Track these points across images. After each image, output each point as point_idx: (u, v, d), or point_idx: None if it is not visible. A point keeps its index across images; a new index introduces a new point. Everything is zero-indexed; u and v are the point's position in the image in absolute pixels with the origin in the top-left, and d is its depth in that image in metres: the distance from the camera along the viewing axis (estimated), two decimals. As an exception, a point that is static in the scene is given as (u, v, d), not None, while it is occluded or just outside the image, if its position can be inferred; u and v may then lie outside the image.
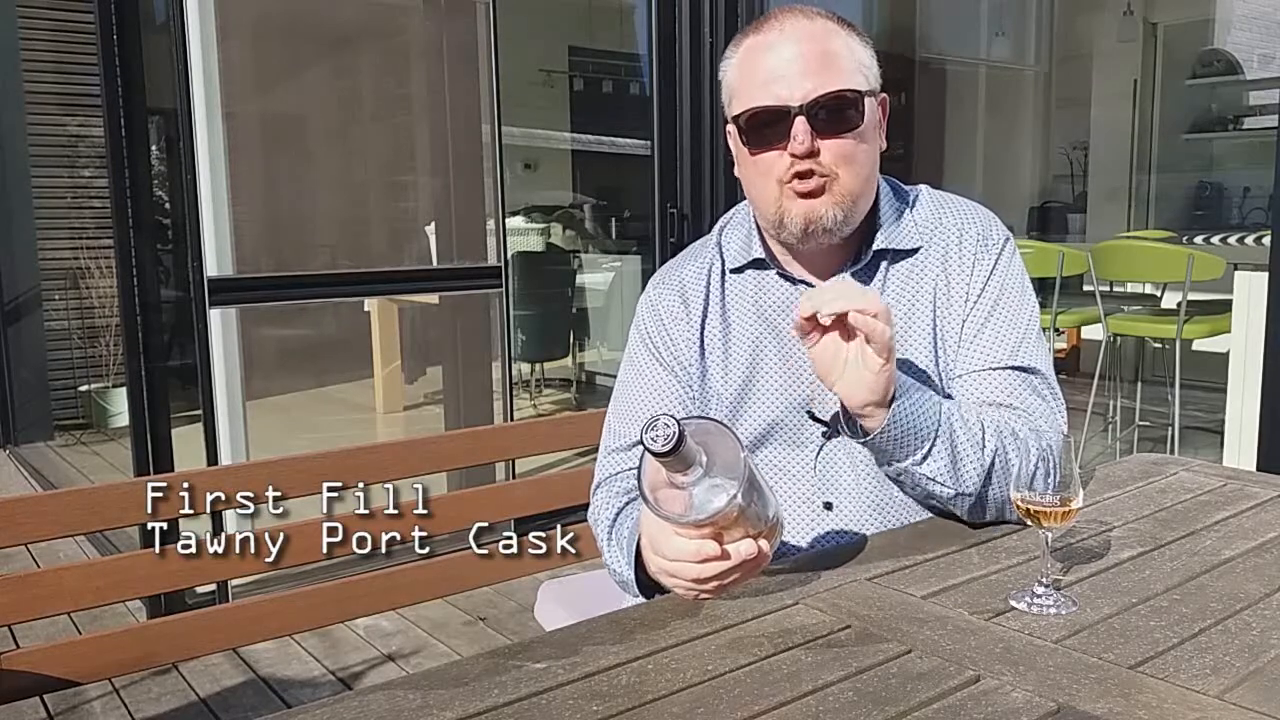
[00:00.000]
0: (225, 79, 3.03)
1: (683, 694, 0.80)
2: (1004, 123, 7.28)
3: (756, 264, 1.26)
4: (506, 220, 3.44)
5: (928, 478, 1.10)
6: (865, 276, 1.22)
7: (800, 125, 1.11)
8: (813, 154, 1.12)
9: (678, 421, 0.84)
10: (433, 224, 3.82)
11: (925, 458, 1.08)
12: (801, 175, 1.13)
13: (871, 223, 1.22)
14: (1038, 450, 1.04)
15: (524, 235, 5.87)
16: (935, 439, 1.08)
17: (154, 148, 3.44)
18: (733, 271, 1.27)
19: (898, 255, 1.23)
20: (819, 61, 1.12)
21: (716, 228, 1.33)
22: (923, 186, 1.31)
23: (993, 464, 1.11)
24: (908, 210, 1.25)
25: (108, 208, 2.90)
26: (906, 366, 1.20)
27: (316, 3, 3.83)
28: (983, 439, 1.10)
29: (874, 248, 1.22)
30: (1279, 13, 6.50)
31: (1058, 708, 0.77)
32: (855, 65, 1.15)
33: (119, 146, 2.71)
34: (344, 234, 4.13)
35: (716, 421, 0.94)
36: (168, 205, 3.77)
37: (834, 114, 1.12)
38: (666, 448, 0.84)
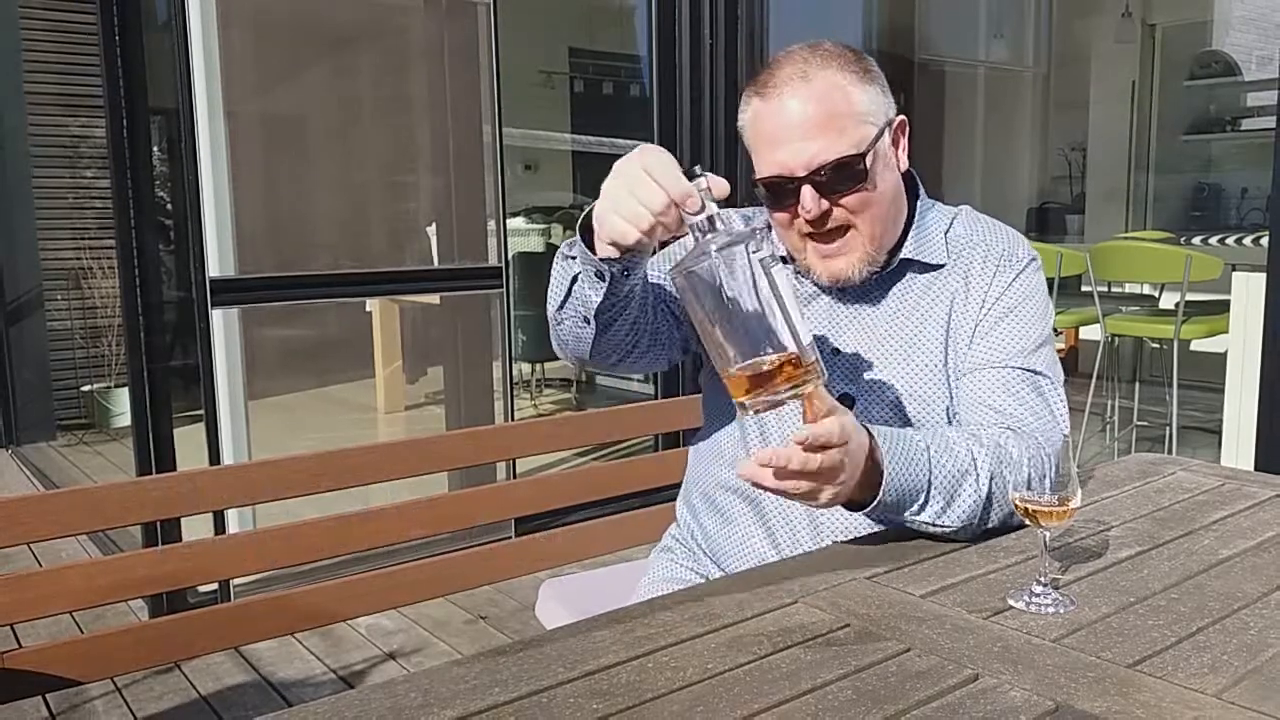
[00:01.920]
0: (227, 79, 3.04)
1: (682, 692, 0.80)
2: (1003, 124, 7.28)
3: (780, 259, 1.27)
4: (507, 221, 3.45)
5: (926, 523, 1.10)
6: (889, 283, 1.24)
7: (807, 194, 1.14)
8: (826, 214, 1.15)
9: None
10: (434, 224, 3.83)
11: (921, 509, 1.08)
12: (817, 237, 1.17)
13: (904, 234, 1.24)
14: (1029, 460, 1.03)
15: (525, 236, 5.87)
16: (929, 491, 1.07)
17: (156, 148, 3.44)
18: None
19: (923, 267, 1.25)
20: (820, 126, 1.13)
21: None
22: (965, 207, 1.33)
23: (989, 495, 1.10)
24: (943, 229, 1.27)
25: (110, 208, 2.90)
26: (915, 372, 1.21)
27: (318, 3, 3.83)
28: (976, 472, 1.09)
29: (900, 256, 1.24)
30: (1277, 14, 6.50)
31: (1056, 706, 0.77)
32: (858, 119, 1.15)
33: (121, 147, 2.72)
34: (345, 234, 4.13)
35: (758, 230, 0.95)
36: (170, 205, 3.77)
37: (839, 175, 1.14)
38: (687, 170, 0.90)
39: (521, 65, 6.34)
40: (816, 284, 1.26)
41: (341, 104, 3.89)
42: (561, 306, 1.15)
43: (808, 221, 1.16)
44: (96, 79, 2.97)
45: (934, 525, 1.10)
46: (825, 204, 1.15)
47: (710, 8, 3.58)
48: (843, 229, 1.17)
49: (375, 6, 4.00)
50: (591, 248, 1.04)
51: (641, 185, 0.94)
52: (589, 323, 1.12)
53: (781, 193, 1.16)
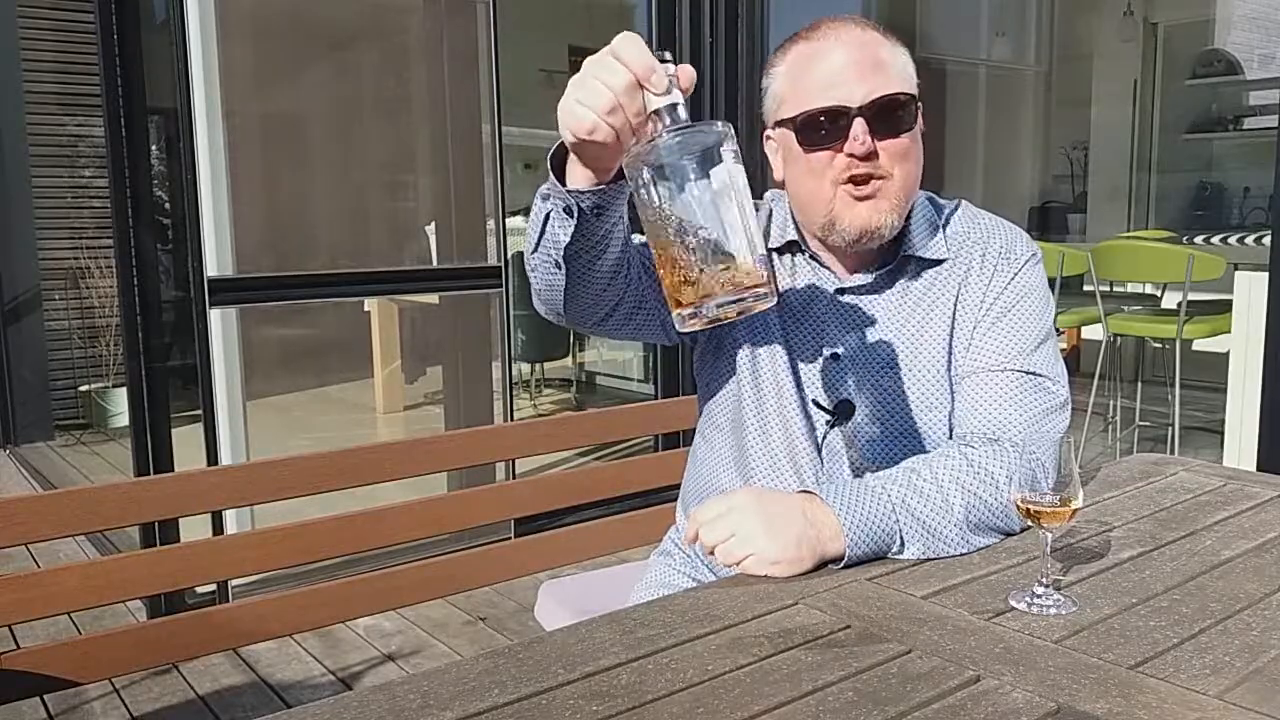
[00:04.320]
0: (225, 78, 3.03)
1: (683, 694, 0.80)
2: (1004, 123, 7.27)
3: (790, 246, 1.27)
4: (507, 220, 3.44)
5: (916, 559, 1.09)
6: (892, 278, 1.24)
7: (860, 126, 1.13)
8: (871, 155, 1.14)
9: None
10: (433, 224, 3.83)
11: (902, 548, 1.07)
12: (857, 180, 1.15)
13: (905, 228, 1.24)
14: (1011, 477, 1.03)
15: (524, 235, 5.86)
16: (902, 537, 1.06)
17: (154, 147, 3.44)
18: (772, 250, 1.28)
19: (925, 263, 1.24)
20: (873, 67, 1.15)
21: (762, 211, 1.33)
22: (961, 201, 1.32)
23: (978, 522, 1.09)
24: (942, 222, 1.27)
25: (108, 207, 2.90)
26: (919, 374, 1.20)
27: (317, 2, 3.83)
28: (949, 509, 1.08)
29: (903, 252, 1.23)
30: (1279, 13, 6.50)
31: (1057, 708, 0.77)
32: (904, 72, 1.18)
33: (119, 146, 2.71)
34: (344, 234, 4.13)
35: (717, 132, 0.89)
36: (168, 205, 3.77)
37: (890, 115, 1.15)
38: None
39: (521, 64, 6.34)
40: (819, 261, 1.25)
41: (340, 103, 3.89)
42: (535, 249, 1.08)
43: (854, 157, 1.14)
44: (95, 78, 2.96)
45: (924, 559, 1.09)
46: (873, 142, 1.14)
47: (710, 7, 3.58)
48: (881, 176, 1.16)
49: (374, 5, 4.00)
50: (562, 181, 1.00)
51: (604, 66, 0.89)
52: (560, 267, 1.06)
53: (828, 129, 1.15)
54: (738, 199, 0.86)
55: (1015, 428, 1.15)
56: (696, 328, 0.89)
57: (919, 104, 1.20)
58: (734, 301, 0.86)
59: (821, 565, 1.04)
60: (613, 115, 0.88)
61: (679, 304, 0.88)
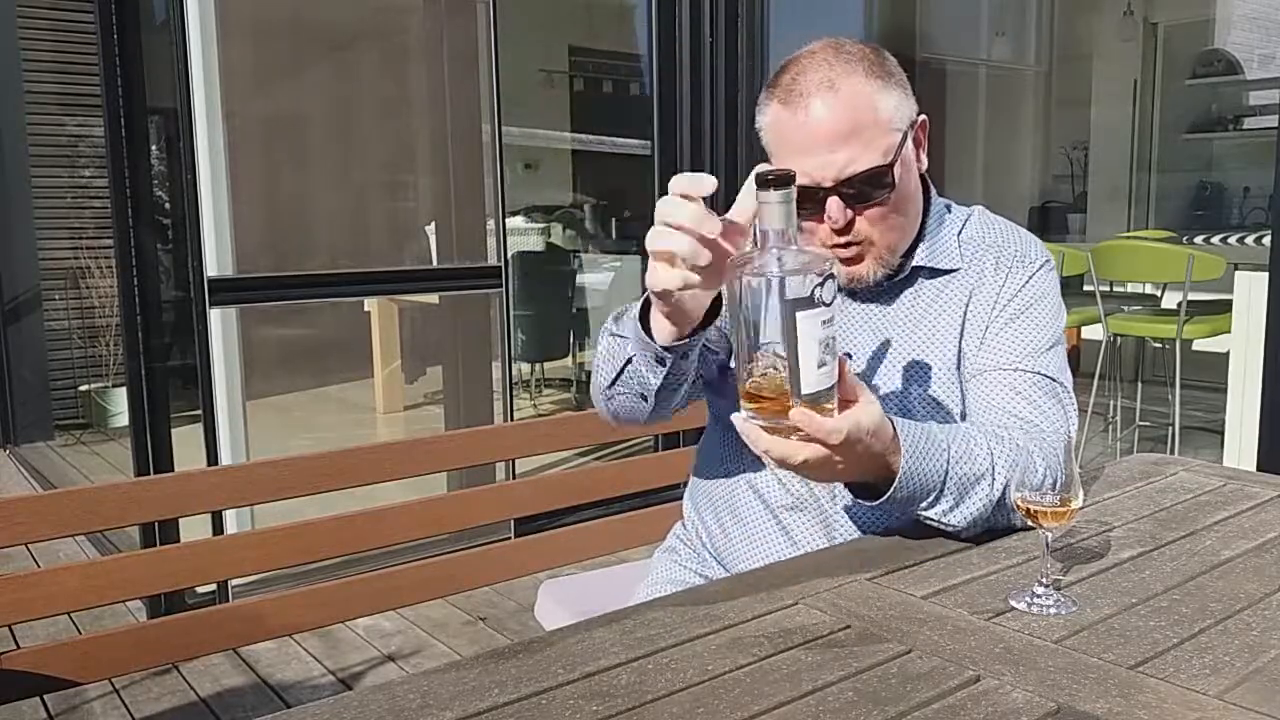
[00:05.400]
0: (225, 78, 3.03)
1: (682, 694, 0.80)
2: (1004, 123, 7.28)
3: None
4: (507, 220, 3.44)
5: (931, 519, 1.10)
6: (901, 289, 1.25)
7: (834, 204, 1.13)
8: (850, 224, 1.15)
9: (793, 172, 0.89)
10: (433, 224, 3.83)
11: (931, 505, 1.08)
12: (839, 246, 1.17)
13: (917, 238, 1.24)
14: (1046, 469, 1.02)
15: (524, 235, 5.87)
16: (941, 490, 1.07)
17: (154, 147, 3.44)
18: None
19: (936, 272, 1.25)
20: (848, 136, 1.12)
21: None
22: (977, 208, 1.32)
23: (1001, 500, 1.10)
24: (955, 231, 1.27)
25: (108, 207, 2.90)
26: (930, 377, 1.20)
27: (317, 2, 3.83)
28: (992, 477, 1.09)
29: (913, 263, 1.24)
30: (1279, 13, 6.50)
31: (1057, 708, 0.77)
32: (885, 127, 1.14)
33: (119, 146, 2.71)
34: (344, 234, 4.13)
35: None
36: (168, 205, 3.78)
37: (866, 186, 1.14)
38: (775, 177, 0.88)
39: (521, 64, 6.35)
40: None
41: (341, 103, 3.89)
42: (613, 385, 1.16)
43: (834, 231, 1.15)
44: (95, 78, 2.96)
45: (939, 522, 1.10)
46: (850, 214, 1.14)
47: (710, 7, 3.58)
48: (862, 241, 1.17)
49: (375, 5, 4.00)
50: (648, 328, 1.07)
51: (663, 236, 0.95)
52: (647, 399, 1.14)
53: (805, 203, 1.14)
54: (793, 338, 0.89)
55: (1036, 425, 1.16)
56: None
57: (914, 126, 1.19)
58: (772, 421, 0.94)
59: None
60: (687, 278, 0.95)
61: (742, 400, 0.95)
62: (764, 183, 0.90)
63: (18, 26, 5.23)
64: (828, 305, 0.90)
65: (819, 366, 0.90)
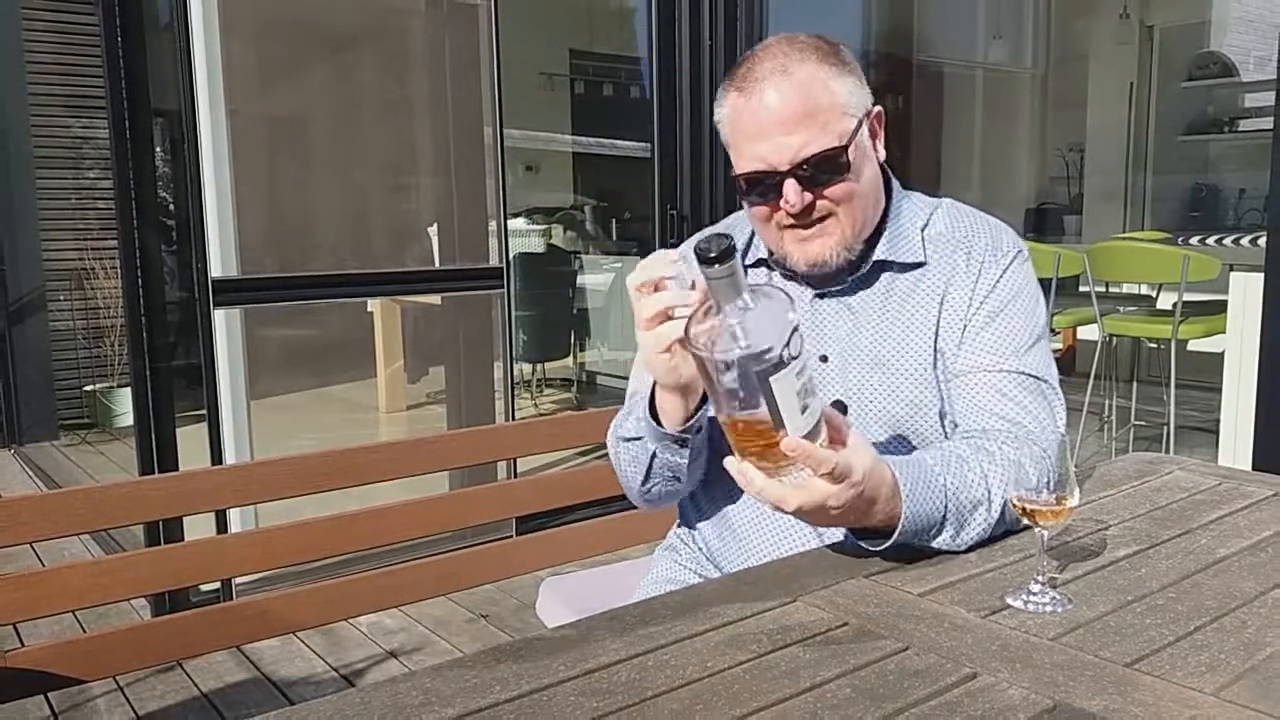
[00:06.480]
0: (229, 80, 3.04)
1: (682, 690, 0.81)
2: (1001, 125, 7.28)
3: (761, 262, 1.28)
4: (508, 221, 3.45)
5: (934, 547, 1.10)
6: (864, 285, 1.23)
7: (790, 187, 1.13)
8: (808, 208, 1.15)
9: (732, 240, 0.86)
10: (435, 225, 3.84)
11: (933, 538, 1.08)
12: (799, 225, 1.17)
13: (878, 231, 1.23)
14: (1038, 474, 1.02)
15: (525, 236, 5.88)
16: (943, 524, 1.07)
17: (158, 149, 3.45)
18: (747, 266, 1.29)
19: (903, 267, 1.23)
20: (802, 119, 1.12)
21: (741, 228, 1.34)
22: (946, 200, 1.31)
23: (1001, 517, 1.11)
24: (921, 223, 1.25)
25: (112, 208, 2.91)
26: (906, 374, 1.20)
27: (319, 5, 3.84)
28: (989, 501, 1.09)
29: (874, 258, 1.22)
30: (1275, 15, 6.50)
31: (1054, 705, 0.78)
32: (839, 111, 1.14)
33: (123, 147, 2.72)
34: (347, 235, 4.14)
35: (776, 289, 0.94)
36: (172, 206, 3.78)
37: (822, 168, 1.14)
38: (717, 252, 0.84)
39: (522, 66, 6.35)
40: (792, 272, 1.25)
41: (343, 105, 3.90)
42: (647, 480, 1.21)
43: (790, 215, 1.15)
44: (99, 80, 2.97)
45: (942, 549, 1.09)
46: (809, 196, 1.14)
47: (710, 8, 3.59)
48: (824, 217, 1.17)
49: (376, 8, 4.01)
50: (657, 420, 1.12)
51: (644, 305, 1.00)
52: (681, 479, 1.19)
53: (763, 187, 1.15)
54: (770, 396, 0.87)
55: (1024, 427, 1.15)
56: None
57: (870, 116, 1.19)
58: (761, 463, 0.94)
59: None
60: (674, 356, 1.01)
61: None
62: (706, 260, 0.86)
63: (22, 29, 5.23)
64: (798, 357, 0.87)
65: (802, 412, 0.90)
